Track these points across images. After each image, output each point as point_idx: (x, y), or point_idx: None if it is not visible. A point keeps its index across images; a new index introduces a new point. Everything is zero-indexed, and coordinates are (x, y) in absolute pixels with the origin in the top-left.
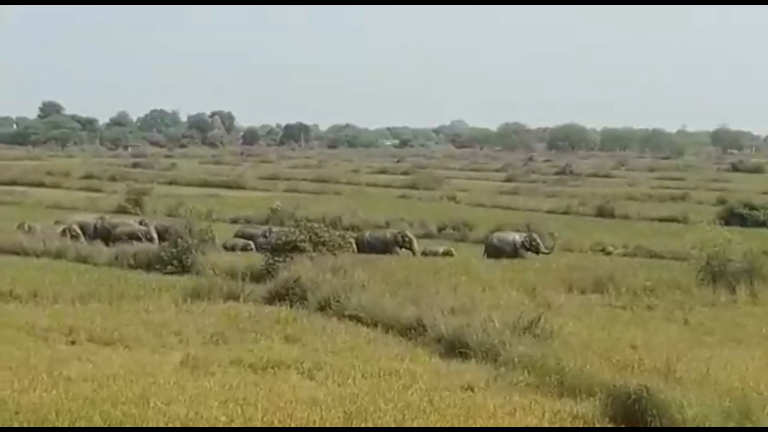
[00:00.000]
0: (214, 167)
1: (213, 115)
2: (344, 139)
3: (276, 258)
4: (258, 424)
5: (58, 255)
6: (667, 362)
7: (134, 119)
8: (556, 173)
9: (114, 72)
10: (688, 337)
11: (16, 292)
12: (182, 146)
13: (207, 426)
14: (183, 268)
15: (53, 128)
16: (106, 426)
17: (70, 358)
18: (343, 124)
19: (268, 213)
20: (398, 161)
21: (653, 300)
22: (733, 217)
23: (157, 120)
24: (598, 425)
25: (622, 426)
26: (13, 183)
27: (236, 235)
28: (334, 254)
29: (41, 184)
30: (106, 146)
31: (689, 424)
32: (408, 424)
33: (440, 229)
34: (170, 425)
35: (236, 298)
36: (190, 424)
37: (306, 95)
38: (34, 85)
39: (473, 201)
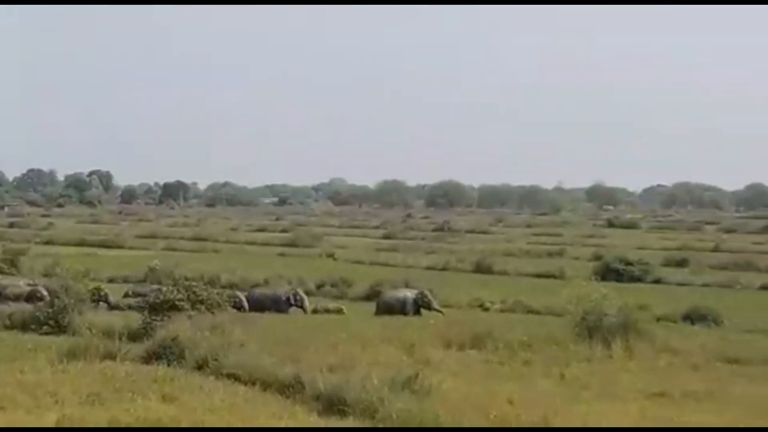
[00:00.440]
0: (91, 226)
1: (91, 174)
2: (223, 197)
3: (153, 317)
4: None
5: None
6: (544, 417)
7: (10, 178)
8: (435, 230)
9: None
10: (564, 392)
11: None
12: (59, 206)
13: None
14: (59, 328)
15: None
16: None
17: None
18: (222, 183)
19: (146, 272)
20: (277, 219)
21: (530, 355)
22: (608, 273)
23: (33, 179)
24: None
25: None
26: None
27: (126, 295)
28: (213, 313)
29: None
30: None
31: None
32: None
33: (319, 287)
34: None
35: (113, 358)
36: None
37: (184, 153)
38: None
39: (352, 258)
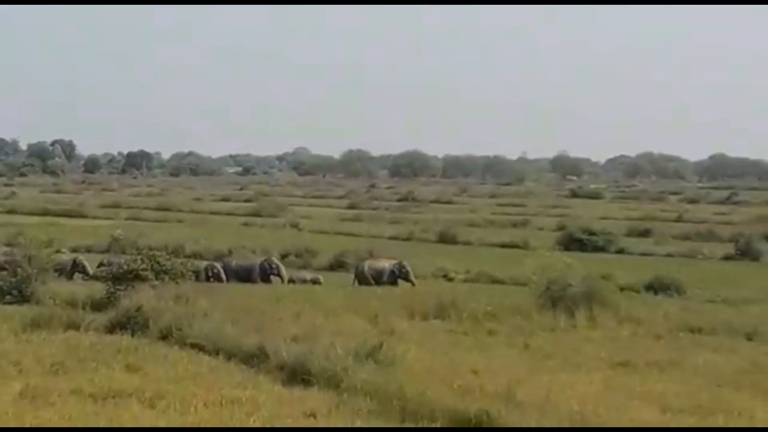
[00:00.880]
0: (54, 196)
1: (54, 143)
2: (187, 167)
3: (117, 287)
4: None
5: None
6: (508, 387)
7: None
8: (399, 200)
9: None
10: (528, 361)
11: None
12: (22, 175)
13: None
14: (22, 298)
15: None
16: None
17: None
18: (186, 152)
19: (110, 241)
20: (241, 189)
21: (494, 325)
22: (572, 243)
23: None
24: None
25: None
26: None
27: (101, 264)
28: (177, 282)
29: None
30: None
31: None
32: None
33: (284, 256)
34: None
35: (77, 328)
36: None
37: (147, 123)
38: None
39: (316, 228)
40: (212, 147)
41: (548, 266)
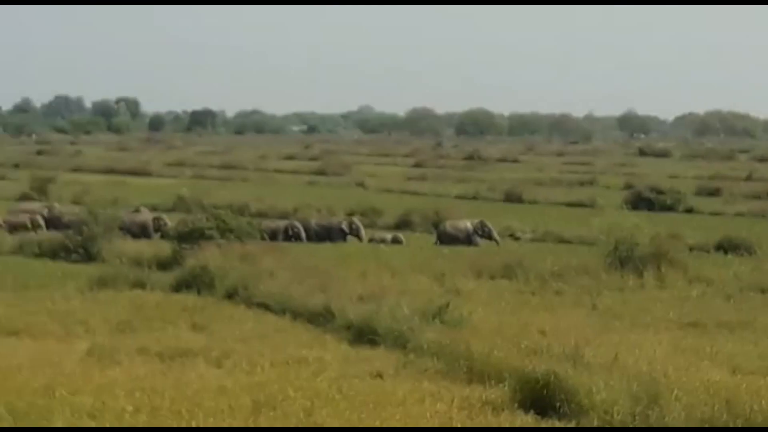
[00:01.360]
0: (119, 154)
1: (118, 101)
2: (252, 125)
3: (183, 246)
4: (165, 414)
5: None
6: (576, 347)
7: (38, 106)
8: (465, 158)
9: (17, 57)
10: (596, 322)
11: None
12: (87, 133)
13: (113, 415)
14: (89, 257)
15: None
16: (11, 417)
17: None
18: (251, 110)
19: (175, 200)
20: (306, 147)
21: (562, 285)
22: (640, 202)
23: (61, 106)
24: (506, 411)
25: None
26: None
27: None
28: (242, 241)
29: None
30: (10, 133)
31: (597, 409)
32: (317, 413)
33: (348, 215)
34: (76, 415)
35: (143, 287)
36: (97, 414)
37: (213, 80)
38: None
39: (381, 187)
40: (277, 105)
41: (616, 225)
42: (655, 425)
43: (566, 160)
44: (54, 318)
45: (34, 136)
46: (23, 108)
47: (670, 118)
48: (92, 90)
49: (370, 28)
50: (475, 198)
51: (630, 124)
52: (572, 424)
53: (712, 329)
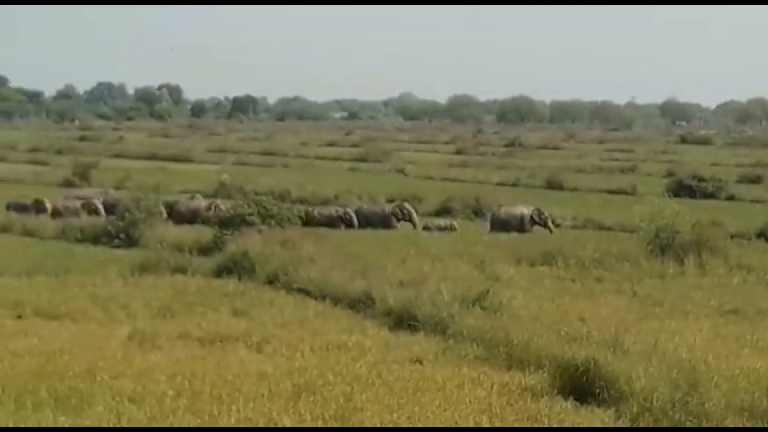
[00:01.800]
0: (161, 140)
1: (160, 87)
2: (293, 111)
3: (224, 231)
4: (206, 398)
5: (4, 229)
6: (616, 334)
7: (81, 92)
8: (506, 145)
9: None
10: (636, 308)
11: None
12: (129, 119)
13: (154, 399)
14: (130, 242)
15: None
16: (53, 400)
17: (17, 332)
18: (292, 97)
19: (217, 186)
20: (347, 134)
21: (602, 272)
22: (681, 189)
23: (104, 93)
24: (546, 397)
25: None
26: None
27: None
28: (283, 227)
29: None
30: (53, 119)
31: (636, 396)
32: (357, 397)
33: (389, 202)
34: (117, 399)
35: (184, 272)
36: (137, 399)
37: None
38: None
39: (422, 174)
40: (318, 92)
41: (657, 213)
42: (694, 412)
43: (607, 147)
44: (96, 303)
45: (76, 122)
46: (66, 94)
47: (712, 105)
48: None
49: (412, 15)
50: (515, 185)
51: (671, 112)
52: (611, 411)
53: (753, 316)
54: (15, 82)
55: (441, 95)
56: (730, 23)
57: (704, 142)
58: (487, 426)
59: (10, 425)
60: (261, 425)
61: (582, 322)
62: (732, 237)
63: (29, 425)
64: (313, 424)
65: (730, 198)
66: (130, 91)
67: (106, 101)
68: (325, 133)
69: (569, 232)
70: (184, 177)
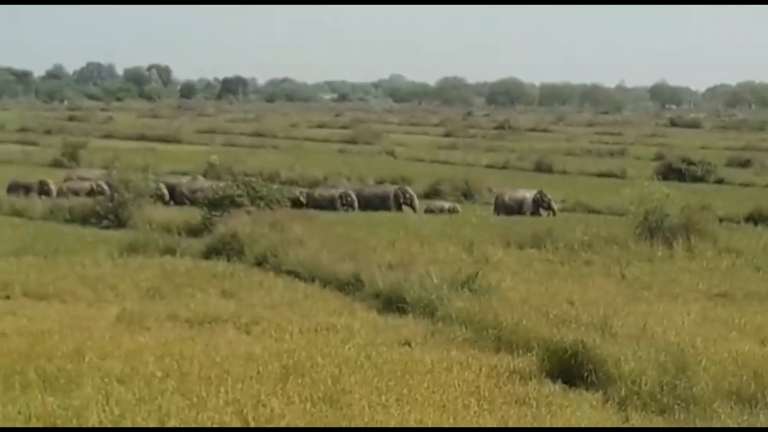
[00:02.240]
0: (150, 121)
1: (150, 68)
2: (282, 93)
3: (213, 212)
4: (194, 379)
5: None
6: (604, 317)
7: (70, 72)
8: (495, 128)
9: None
10: (625, 291)
11: None
12: (118, 99)
13: (142, 380)
14: (119, 223)
15: None
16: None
17: (5, 312)
18: (282, 78)
19: (206, 167)
20: (337, 115)
21: (591, 255)
22: (671, 172)
23: (93, 73)
24: (534, 380)
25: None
26: None
27: None
28: (272, 209)
29: None
30: (42, 99)
31: (625, 379)
32: (345, 379)
33: (378, 183)
34: (105, 380)
35: (173, 253)
36: (126, 380)
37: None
38: None
39: (412, 156)
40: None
41: (646, 196)
42: (682, 396)
43: (597, 130)
44: (84, 283)
45: (65, 102)
46: (55, 74)
47: (702, 89)
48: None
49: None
50: (504, 167)
51: (661, 95)
52: (599, 394)
53: (741, 300)
54: (4, 61)
55: (431, 77)
56: (721, 6)
57: (694, 125)
58: (476, 409)
59: None
60: (249, 406)
61: (571, 305)
62: (721, 220)
63: (17, 406)
64: (301, 406)
65: (719, 181)
66: (120, 71)
67: (95, 81)
68: (315, 114)
69: (558, 214)
70: (174, 158)
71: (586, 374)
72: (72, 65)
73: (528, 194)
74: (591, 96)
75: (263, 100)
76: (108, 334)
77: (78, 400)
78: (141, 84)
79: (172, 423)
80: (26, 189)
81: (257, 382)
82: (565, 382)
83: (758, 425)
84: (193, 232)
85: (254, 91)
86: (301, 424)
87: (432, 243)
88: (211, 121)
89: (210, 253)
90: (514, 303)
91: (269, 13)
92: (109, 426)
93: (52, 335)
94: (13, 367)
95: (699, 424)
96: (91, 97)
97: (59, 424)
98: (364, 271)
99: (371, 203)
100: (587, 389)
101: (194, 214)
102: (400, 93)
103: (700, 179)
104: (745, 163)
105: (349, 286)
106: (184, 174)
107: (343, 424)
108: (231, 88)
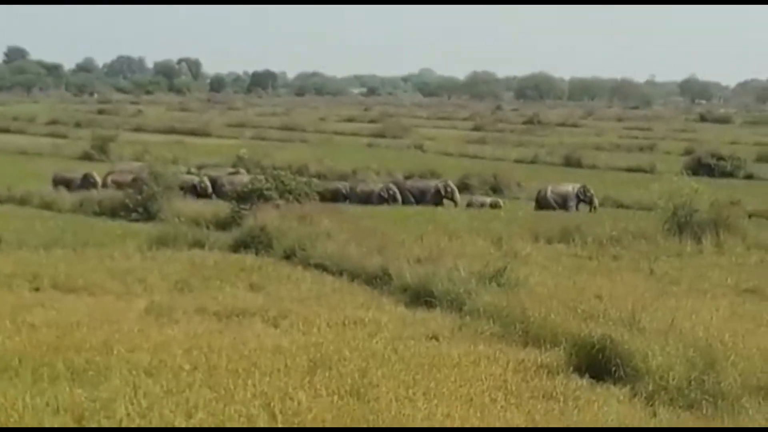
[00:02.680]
0: (180, 114)
1: (180, 61)
2: (312, 86)
3: (241, 206)
4: (222, 372)
5: (23, 201)
6: (632, 312)
7: (100, 65)
8: (524, 122)
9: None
10: (653, 287)
11: None
12: (148, 93)
13: (170, 373)
14: (148, 216)
15: (18, 73)
16: (70, 373)
17: (34, 304)
18: (311, 72)
19: (235, 160)
20: (366, 109)
21: (619, 250)
22: (700, 168)
23: (123, 66)
24: (561, 374)
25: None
26: None
27: None
28: (300, 202)
29: (6, 130)
30: (72, 92)
31: (653, 374)
32: (372, 373)
33: (407, 178)
34: (133, 373)
35: (201, 246)
36: (154, 372)
37: (273, 42)
38: None
39: (440, 150)
40: (337, 67)
41: (675, 191)
42: (710, 391)
43: (626, 125)
44: (113, 276)
45: (95, 95)
46: (85, 67)
47: (732, 84)
48: (154, 50)
49: None
50: (533, 162)
51: (691, 90)
52: (627, 389)
53: None
54: (34, 54)
55: (460, 72)
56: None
57: (723, 120)
58: (503, 403)
59: (27, 398)
60: (276, 399)
61: (599, 300)
62: (750, 216)
63: (46, 398)
64: (328, 399)
65: (749, 177)
66: (150, 64)
67: (125, 75)
68: (344, 108)
69: (587, 209)
70: (203, 151)
71: (613, 369)
72: (102, 58)
73: (570, 188)
74: (620, 91)
75: (292, 93)
76: (136, 327)
77: (106, 392)
78: (171, 77)
79: (199, 415)
80: (69, 182)
81: (285, 375)
82: (592, 377)
83: None
84: (222, 225)
85: (283, 85)
86: (328, 417)
87: (460, 237)
88: (240, 114)
89: (238, 246)
90: (542, 297)
91: (299, 8)
92: (137, 418)
93: (81, 327)
94: (41, 359)
95: (727, 420)
96: (120, 90)
97: (87, 416)
98: (392, 265)
99: (414, 197)
100: (615, 384)
101: (223, 208)
102: (429, 87)
103: (730, 174)
104: None
105: (377, 280)
106: (216, 166)
107: (370, 418)
108: (260, 81)
